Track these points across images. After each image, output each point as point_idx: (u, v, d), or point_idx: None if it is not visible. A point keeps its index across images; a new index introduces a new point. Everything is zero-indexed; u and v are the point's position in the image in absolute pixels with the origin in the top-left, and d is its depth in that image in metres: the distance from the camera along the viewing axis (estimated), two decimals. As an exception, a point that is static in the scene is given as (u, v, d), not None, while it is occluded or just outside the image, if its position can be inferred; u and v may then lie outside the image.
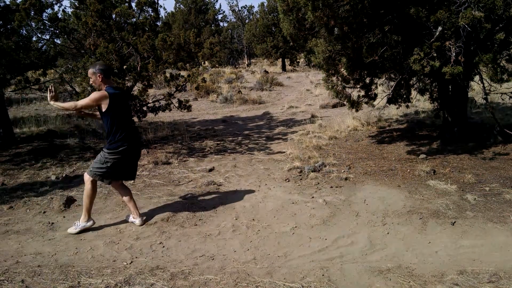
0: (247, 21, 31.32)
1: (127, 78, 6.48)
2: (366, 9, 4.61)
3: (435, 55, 4.44)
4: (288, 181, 4.85)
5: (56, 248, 3.34)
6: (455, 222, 3.53)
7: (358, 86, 6.11)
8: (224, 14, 55.63)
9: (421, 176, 4.74)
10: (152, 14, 6.56)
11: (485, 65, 4.53)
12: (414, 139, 6.52)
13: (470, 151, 5.54)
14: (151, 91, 10.85)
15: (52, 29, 6.55)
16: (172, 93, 7.20)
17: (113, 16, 6.15)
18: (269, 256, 3.12)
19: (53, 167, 5.69)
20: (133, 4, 6.63)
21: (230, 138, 7.66)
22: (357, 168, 5.20)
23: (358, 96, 6.16)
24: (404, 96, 6.24)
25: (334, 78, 5.87)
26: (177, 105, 7.09)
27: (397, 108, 7.18)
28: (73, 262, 3.09)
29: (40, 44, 7.06)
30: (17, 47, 6.38)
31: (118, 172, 3.60)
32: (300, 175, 5.00)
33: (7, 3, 6.56)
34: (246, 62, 30.86)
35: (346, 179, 4.78)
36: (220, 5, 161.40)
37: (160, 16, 6.89)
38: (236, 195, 4.44)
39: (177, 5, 29.79)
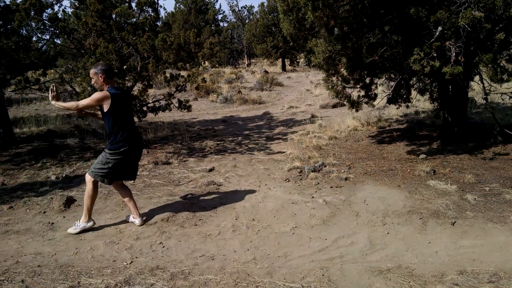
0: (247, 21, 31.33)
1: (127, 78, 6.48)
2: (366, 9, 4.61)
3: (435, 55, 4.44)
4: (288, 181, 4.85)
5: (56, 248, 3.34)
6: (455, 222, 3.53)
7: (358, 86, 6.11)
8: (224, 14, 55.64)
9: (421, 176, 4.74)
10: (152, 14, 6.56)
11: (485, 65, 4.53)
12: (414, 139, 6.52)
13: (470, 151, 5.54)
14: (151, 91, 10.86)
15: (52, 29, 6.56)
16: (172, 93, 7.20)
17: (113, 16, 6.15)
18: (269, 256, 3.12)
19: (53, 167, 5.69)
20: (133, 4, 6.64)
21: (230, 138, 7.66)
22: (357, 168, 5.20)
23: (358, 96, 6.16)
24: (404, 96, 6.24)
25: (334, 78, 5.87)
26: (177, 105, 7.09)
27: (397, 108, 7.18)
28: (73, 262, 3.09)
29: (40, 44, 7.06)
30: (17, 47, 6.38)
31: (119, 173, 3.60)
32: (300, 175, 5.00)
33: (7, 3, 6.56)
34: (246, 62, 30.86)
35: (346, 179, 4.78)
36: (220, 5, 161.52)
37: (160, 16, 6.90)
38: (236, 195, 4.44)
39: (177, 5, 29.80)
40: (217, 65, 25.55)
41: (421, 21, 4.29)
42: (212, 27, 29.94)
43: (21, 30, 6.72)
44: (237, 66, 28.17)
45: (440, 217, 3.64)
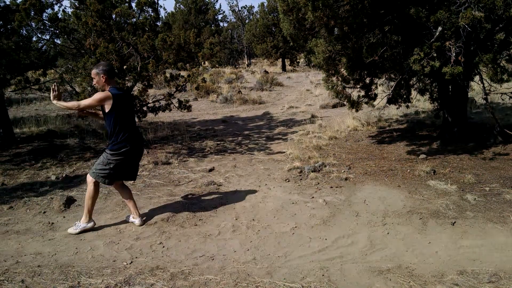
0: (247, 21, 31.34)
1: (127, 78, 6.48)
2: (366, 9, 4.61)
3: (435, 55, 4.44)
4: (288, 181, 4.85)
5: (56, 248, 3.34)
6: (455, 222, 3.53)
7: (358, 86, 6.11)
8: (224, 14, 55.70)
9: (421, 176, 4.74)
10: (152, 14, 6.56)
11: (485, 65, 4.53)
12: (414, 139, 6.52)
13: (470, 151, 5.54)
14: (151, 91, 10.86)
15: (52, 29, 6.56)
16: (172, 93, 7.20)
17: (113, 16, 6.15)
18: (269, 256, 3.12)
19: (53, 167, 5.69)
20: (133, 4, 6.64)
21: (230, 138, 7.66)
22: (357, 168, 5.20)
23: (358, 96, 6.16)
24: (404, 96, 6.24)
25: (334, 78, 5.87)
26: (177, 105, 7.09)
27: (397, 108, 7.18)
28: (73, 262, 3.09)
29: (40, 44, 7.06)
30: (17, 47, 6.38)
31: (120, 173, 3.61)
32: (300, 175, 5.00)
33: (7, 3, 6.56)
34: (246, 62, 30.86)
35: (346, 179, 4.78)
36: (220, 5, 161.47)
37: (160, 16, 6.90)
38: (236, 195, 4.44)
39: (177, 5, 29.78)
40: (217, 65, 25.56)
41: (421, 21, 4.29)
42: (212, 27, 29.92)
43: (21, 30, 6.72)
44: (237, 66, 28.17)
45: (440, 217, 3.64)
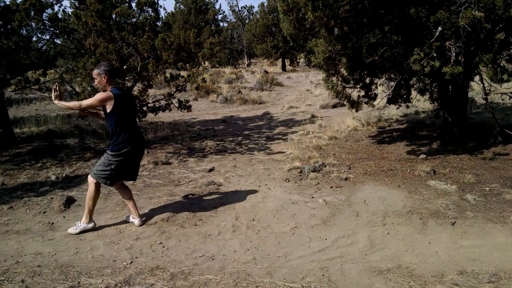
0: (247, 21, 31.33)
1: (127, 78, 6.48)
2: (366, 9, 4.61)
3: (435, 55, 4.44)
4: (288, 181, 4.85)
5: (56, 248, 3.34)
6: (455, 222, 3.53)
7: (358, 86, 6.11)
8: (224, 14, 55.70)
9: (421, 176, 4.74)
10: (152, 14, 6.56)
11: (485, 65, 4.53)
12: (414, 139, 6.52)
13: (470, 151, 5.54)
14: (151, 91, 10.86)
15: (52, 29, 6.56)
16: (172, 93, 7.20)
17: (113, 16, 6.15)
18: (269, 256, 3.12)
19: (53, 167, 5.69)
20: (133, 4, 6.64)
21: (230, 138, 7.66)
22: (357, 168, 5.20)
23: (358, 96, 6.16)
24: (404, 96, 6.24)
25: (334, 78, 5.87)
26: (177, 105, 7.09)
27: (397, 108, 7.18)
28: (73, 262, 3.09)
29: (40, 44, 7.06)
30: (17, 47, 6.38)
31: (121, 173, 3.61)
32: (300, 175, 5.00)
33: (7, 3, 6.56)
34: (246, 62, 30.86)
35: (346, 179, 4.78)
36: (220, 5, 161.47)
37: (160, 16, 6.90)
38: (236, 195, 4.44)
39: (177, 5, 29.78)
40: (217, 65, 25.55)
41: (421, 21, 4.29)
42: (212, 27, 29.93)
43: (21, 30, 6.72)
44: (237, 66, 28.17)
45: (440, 217, 3.64)
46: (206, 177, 5.09)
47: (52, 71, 8.16)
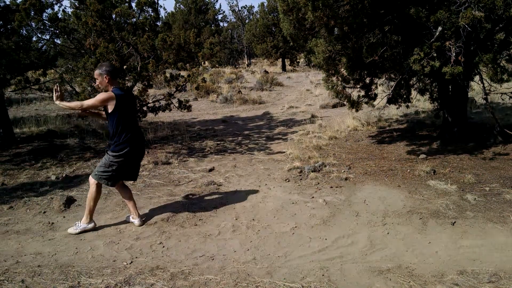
0: (247, 21, 31.33)
1: (127, 78, 6.48)
2: (366, 9, 4.61)
3: (435, 55, 4.44)
4: (288, 181, 4.85)
5: (56, 248, 3.34)
6: (455, 222, 3.53)
7: (358, 86, 6.11)
8: (224, 14, 55.71)
9: (421, 176, 4.74)
10: (152, 14, 6.56)
11: (485, 65, 4.53)
12: (414, 139, 6.52)
13: (470, 151, 5.54)
14: (151, 91, 10.86)
15: (52, 29, 6.56)
16: (172, 93, 7.20)
17: (113, 16, 6.15)
18: (269, 256, 3.12)
19: (53, 167, 5.69)
20: (133, 4, 6.63)
21: (230, 138, 7.66)
22: (357, 168, 5.20)
23: (358, 96, 6.16)
24: (404, 96, 6.24)
25: (334, 78, 5.87)
26: (177, 105, 7.09)
27: (397, 108, 7.18)
28: (73, 262, 3.09)
29: (40, 44, 7.06)
30: (17, 47, 6.38)
31: (122, 174, 3.61)
32: (300, 175, 5.00)
33: (7, 3, 6.56)
34: (246, 62, 30.86)
35: (346, 179, 4.78)
36: (220, 5, 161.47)
37: (160, 16, 6.90)
38: (236, 195, 4.44)
39: (177, 5, 29.79)
40: (217, 65, 25.55)
41: (421, 21, 4.29)
42: (212, 27, 29.93)
43: (21, 30, 6.72)
44: (237, 66, 28.17)
45: (440, 217, 3.64)
46: (206, 177, 5.09)
47: (52, 71, 8.17)
